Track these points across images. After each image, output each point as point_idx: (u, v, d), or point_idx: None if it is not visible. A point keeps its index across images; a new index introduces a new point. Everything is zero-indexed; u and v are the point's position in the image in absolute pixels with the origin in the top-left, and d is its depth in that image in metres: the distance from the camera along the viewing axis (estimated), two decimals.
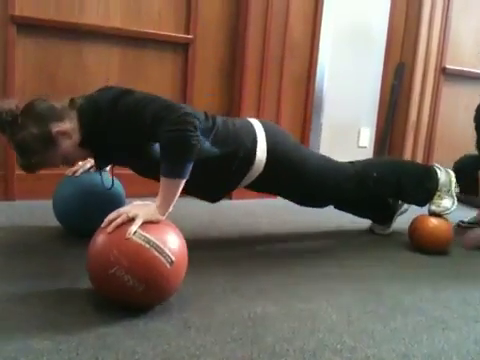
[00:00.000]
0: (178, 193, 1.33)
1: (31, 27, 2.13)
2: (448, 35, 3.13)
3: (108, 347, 1.05)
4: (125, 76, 2.32)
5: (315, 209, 1.97)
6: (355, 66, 3.09)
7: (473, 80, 3.30)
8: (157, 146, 1.44)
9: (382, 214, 2.16)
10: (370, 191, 1.90)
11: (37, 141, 1.43)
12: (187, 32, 2.44)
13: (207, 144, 1.55)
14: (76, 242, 1.64)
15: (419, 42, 3.07)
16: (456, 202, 1.95)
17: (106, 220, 1.21)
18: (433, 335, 1.23)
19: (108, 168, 1.77)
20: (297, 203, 1.90)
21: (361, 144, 3.21)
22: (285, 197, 1.89)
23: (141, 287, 1.15)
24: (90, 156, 1.62)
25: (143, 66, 2.38)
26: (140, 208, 1.24)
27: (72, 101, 1.50)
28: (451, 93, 3.24)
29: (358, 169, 1.87)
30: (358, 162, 1.92)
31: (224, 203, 2.45)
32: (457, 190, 2.01)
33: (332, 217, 2.27)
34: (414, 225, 1.96)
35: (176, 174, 1.32)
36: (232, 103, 2.58)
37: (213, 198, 1.76)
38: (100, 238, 1.20)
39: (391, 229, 2.17)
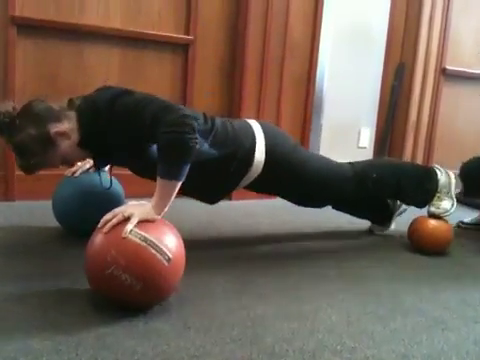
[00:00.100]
0: (174, 194, 1.33)
1: (31, 28, 2.13)
2: (448, 35, 3.14)
3: (108, 347, 1.05)
4: (125, 77, 2.32)
5: (314, 210, 1.97)
6: (355, 66, 3.09)
7: (473, 81, 3.30)
8: (155, 147, 1.44)
9: (381, 215, 2.16)
10: (369, 192, 1.90)
11: (35, 142, 1.43)
12: (187, 33, 2.44)
13: (205, 146, 1.55)
14: (75, 242, 1.64)
15: (419, 42, 3.07)
16: (456, 204, 1.95)
17: (102, 221, 1.22)
18: (433, 336, 1.23)
19: (107, 168, 1.77)
20: (296, 203, 1.90)
21: (361, 144, 3.21)
22: (284, 197, 1.89)
23: (139, 285, 1.15)
24: (89, 156, 1.62)
25: (143, 67, 2.38)
26: (135, 207, 1.24)
27: (70, 101, 1.50)
28: (451, 94, 3.24)
29: (357, 170, 1.87)
30: (357, 163, 1.92)
31: (223, 204, 2.45)
32: (457, 191, 2.01)
33: (331, 218, 2.27)
34: (414, 226, 1.96)
35: (173, 176, 1.32)
36: (232, 104, 2.58)
37: (211, 199, 1.76)
38: (97, 238, 1.20)
39: (390, 230, 2.17)
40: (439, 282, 1.63)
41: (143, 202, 1.29)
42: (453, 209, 1.93)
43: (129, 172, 1.67)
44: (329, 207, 2.04)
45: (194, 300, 1.33)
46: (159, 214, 1.27)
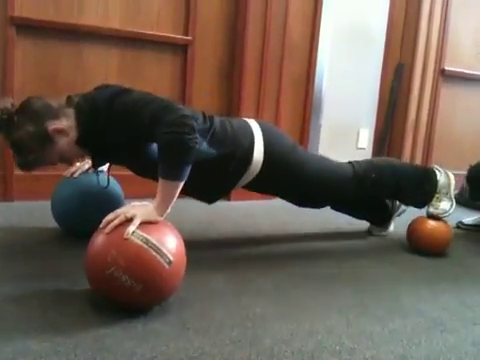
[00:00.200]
0: (176, 195, 1.33)
1: (30, 28, 2.13)
2: (447, 36, 3.14)
3: (107, 348, 1.05)
4: (124, 77, 2.32)
5: (313, 211, 1.97)
6: (354, 67, 3.09)
7: (472, 81, 3.31)
8: (155, 146, 1.44)
9: (380, 215, 2.16)
10: (368, 192, 1.90)
11: (34, 139, 1.43)
12: (186, 33, 2.44)
13: (204, 145, 1.54)
14: (74, 243, 1.64)
15: (418, 43, 3.07)
16: (454, 204, 1.95)
17: (104, 221, 1.22)
18: (431, 337, 1.23)
19: (105, 168, 1.77)
20: (295, 204, 1.90)
21: (360, 145, 3.21)
22: (283, 197, 1.89)
23: (139, 287, 1.15)
24: (87, 154, 1.61)
25: (142, 67, 2.38)
26: (138, 209, 1.24)
27: (69, 99, 1.49)
28: (450, 94, 3.25)
29: (357, 170, 1.86)
30: (357, 163, 1.91)
31: (223, 204, 2.45)
32: (456, 191, 2.02)
33: (331, 218, 2.27)
34: (413, 227, 1.96)
35: (174, 176, 1.32)
36: (231, 104, 2.58)
37: (210, 199, 1.76)
38: (98, 239, 1.20)
39: (389, 230, 2.18)
40: (438, 283, 1.63)
41: (145, 203, 1.28)
42: (452, 210, 1.93)
43: (128, 172, 1.67)
44: (328, 208, 2.04)
45: (193, 301, 1.33)
46: (161, 215, 1.27)
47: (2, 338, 1.06)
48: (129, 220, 1.19)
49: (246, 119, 1.76)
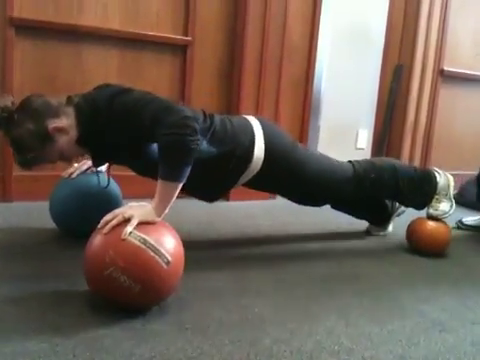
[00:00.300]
0: (175, 196, 1.33)
1: (30, 29, 2.13)
2: (446, 37, 3.14)
3: (105, 349, 1.05)
4: (123, 78, 2.32)
5: (313, 211, 1.97)
6: (353, 68, 3.10)
7: (471, 82, 3.31)
8: (155, 146, 1.44)
9: (379, 216, 2.16)
10: (368, 192, 1.89)
11: (34, 137, 1.43)
12: (185, 34, 2.44)
13: (204, 144, 1.54)
14: (73, 244, 1.64)
15: (417, 44, 3.08)
16: (454, 206, 1.95)
17: (102, 221, 1.22)
18: (430, 337, 1.23)
19: (104, 168, 1.77)
20: (295, 201, 1.90)
21: (359, 146, 3.22)
22: (283, 195, 1.89)
23: (137, 287, 1.15)
24: (87, 153, 1.61)
25: (141, 68, 2.38)
26: (136, 209, 1.24)
27: (69, 98, 1.50)
28: (449, 95, 3.25)
29: (357, 169, 1.86)
30: (357, 162, 1.91)
31: (222, 204, 2.45)
32: (455, 192, 2.02)
33: (330, 218, 2.27)
34: (412, 227, 1.96)
35: (174, 177, 1.32)
36: (230, 105, 2.58)
37: (210, 197, 1.76)
38: (96, 239, 1.20)
39: (388, 231, 2.18)
40: (437, 284, 1.63)
41: (143, 203, 1.28)
42: (452, 211, 1.93)
43: (127, 173, 1.67)
44: (328, 208, 2.04)
45: (192, 301, 1.33)
46: (159, 216, 1.27)
47: (1, 339, 1.06)
48: (127, 220, 1.19)
49: (246, 116, 1.75)
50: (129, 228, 1.17)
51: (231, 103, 2.58)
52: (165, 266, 1.17)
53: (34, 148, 1.45)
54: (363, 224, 2.20)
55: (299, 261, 1.75)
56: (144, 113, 1.38)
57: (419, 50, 3.08)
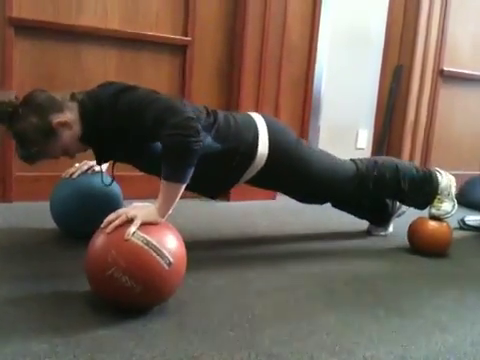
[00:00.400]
0: (178, 197, 1.33)
1: (29, 29, 2.13)
2: (446, 37, 3.14)
3: (106, 349, 1.05)
4: (122, 78, 2.28)
5: (313, 211, 1.97)
6: (353, 68, 3.10)
7: (470, 82, 3.31)
8: (158, 144, 1.44)
9: (380, 215, 2.16)
10: (369, 190, 1.88)
11: (37, 132, 1.44)
12: (185, 34, 2.44)
13: (209, 139, 1.54)
14: (73, 244, 1.64)
15: (417, 44, 3.08)
16: (456, 206, 1.95)
17: (105, 221, 1.21)
18: (431, 337, 1.23)
19: (104, 168, 1.77)
20: (297, 199, 1.89)
21: (359, 146, 3.22)
22: (285, 192, 1.88)
23: (139, 288, 1.14)
24: (89, 149, 1.61)
25: (140, 68, 2.38)
26: (139, 209, 1.23)
27: (73, 95, 1.51)
28: (449, 95, 3.25)
29: (359, 167, 1.86)
30: (360, 160, 1.91)
31: (222, 205, 2.46)
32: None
33: (330, 219, 2.27)
34: (413, 227, 1.96)
35: (177, 178, 1.32)
36: (230, 104, 2.58)
37: (214, 193, 1.76)
38: (99, 239, 1.20)
39: (388, 231, 2.18)
40: (438, 284, 1.63)
41: (147, 204, 1.28)
42: (454, 211, 1.93)
43: (128, 173, 1.67)
44: (328, 208, 2.04)
45: (192, 301, 1.33)
46: (163, 216, 1.27)
47: (1, 339, 1.06)
48: (130, 221, 1.19)
49: (250, 113, 1.75)
50: (132, 228, 1.17)
51: (230, 103, 2.58)
52: (167, 267, 1.17)
53: (37, 142, 1.46)
54: (363, 224, 2.20)
55: (299, 261, 1.75)
56: (148, 113, 1.38)
57: (419, 50, 3.08)
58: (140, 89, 1.48)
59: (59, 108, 1.46)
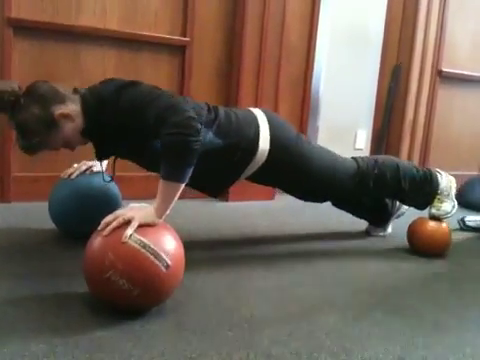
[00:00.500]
0: (176, 196, 1.33)
1: (28, 29, 2.12)
2: (444, 37, 3.15)
3: (104, 350, 1.05)
4: None
5: (312, 211, 1.97)
6: (352, 68, 3.10)
7: (469, 82, 3.32)
8: (159, 142, 1.44)
9: (379, 216, 2.16)
10: (369, 189, 1.88)
11: (39, 122, 1.44)
12: (184, 34, 2.44)
13: (210, 135, 1.54)
14: (72, 244, 1.64)
15: (415, 44, 3.08)
16: (456, 206, 1.95)
17: (102, 223, 1.21)
18: (429, 337, 1.24)
19: (104, 167, 1.77)
20: (297, 196, 1.89)
21: (357, 146, 3.22)
22: (286, 189, 1.88)
23: (136, 291, 1.14)
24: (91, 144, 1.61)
25: (139, 68, 2.38)
26: (137, 211, 1.23)
27: (75, 89, 1.51)
28: (447, 95, 3.26)
29: (360, 165, 1.85)
30: (361, 158, 1.91)
31: (221, 205, 2.46)
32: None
33: (329, 219, 2.27)
34: (413, 228, 1.96)
35: (175, 178, 1.32)
36: (229, 104, 2.57)
37: (215, 190, 1.75)
38: (96, 241, 1.20)
39: (387, 232, 2.18)
40: (437, 284, 1.64)
41: (144, 205, 1.28)
42: (454, 211, 1.93)
43: (127, 173, 1.67)
44: (328, 208, 2.04)
45: (191, 302, 1.33)
46: (160, 217, 1.27)
47: (0, 339, 1.06)
48: (127, 223, 1.19)
49: (251, 109, 1.75)
50: (129, 231, 1.16)
51: (229, 103, 2.57)
52: (164, 270, 1.17)
53: (39, 133, 1.46)
54: (362, 225, 2.20)
55: (298, 261, 1.75)
56: (149, 110, 1.38)
57: (417, 50, 3.09)
58: (142, 85, 1.48)
59: (61, 99, 1.46)
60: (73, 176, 1.73)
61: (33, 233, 1.80)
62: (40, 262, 1.52)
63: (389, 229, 2.18)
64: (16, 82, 1.48)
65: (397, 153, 3.12)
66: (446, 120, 3.30)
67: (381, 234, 2.16)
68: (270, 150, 1.65)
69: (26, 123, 1.44)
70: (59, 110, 1.45)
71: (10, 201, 2.18)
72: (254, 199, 2.53)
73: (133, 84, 1.48)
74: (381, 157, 2.01)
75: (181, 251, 1.25)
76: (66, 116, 1.46)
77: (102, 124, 1.46)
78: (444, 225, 1.92)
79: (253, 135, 1.64)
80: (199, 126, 1.34)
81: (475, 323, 1.35)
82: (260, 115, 1.69)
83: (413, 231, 1.95)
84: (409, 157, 3.18)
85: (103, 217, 1.23)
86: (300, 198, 1.90)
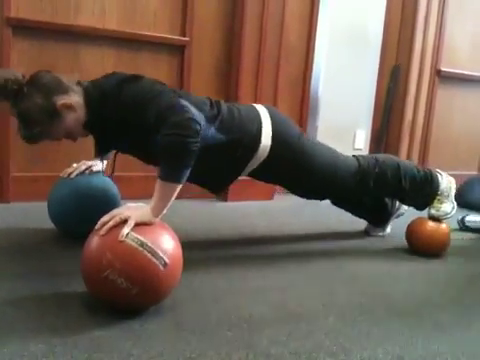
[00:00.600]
0: (173, 197, 1.33)
1: (27, 29, 2.12)
2: (443, 37, 3.15)
3: (103, 349, 1.05)
4: None
5: (312, 211, 1.97)
6: (351, 68, 3.10)
7: (468, 82, 3.32)
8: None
9: (379, 215, 2.16)
10: (370, 188, 1.88)
11: (41, 112, 1.44)
12: (183, 34, 2.44)
13: (212, 130, 1.54)
14: (71, 244, 1.64)
15: (414, 44, 3.08)
16: (456, 207, 1.95)
17: (99, 223, 1.21)
18: (428, 337, 1.24)
19: (103, 167, 1.78)
20: (298, 194, 1.88)
21: (357, 146, 3.22)
22: (287, 186, 1.88)
23: (134, 289, 1.14)
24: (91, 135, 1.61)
25: (139, 68, 2.37)
26: (133, 210, 1.23)
27: (79, 82, 1.52)
28: (446, 95, 3.26)
29: (361, 164, 1.85)
30: (362, 157, 1.90)
31: (220, 205, 2.46)
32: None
33: (328, 219, 2.27)
34: (411, 228, 1.96)
35: (173, 178, 1.32)
36: None
37: (217, 186, 1.75)
38: (93, 241, 1.20)
39: (386, 232, 2.18)
40: (436, 284, 1.64)
41: (141, 204, 1.28)
42: (453, 212, 1.93)
43: (126, 173, 1.67)
44: (327, 208, 2.03)
45: (189, 301, 1.33)
46: (157, 216, 1.27)
47: None
48: (124, 222, 1.19)
49: (254, 104, 1.75)
50: (126, 230, 1.16)
51: (228, 102, 2.57)
52: (162, 268, 1.17)
53: (41, 123, 1.46)
54: (361, 225, 2.20)
55: (297, 261, 1.75)
56: (150, 108, 1.38)
57: (416, 50, 3.09)
58: (144, 80, 1.49)
59: (64, 90, 1.47)
60: (72, 175, 1.73)
61: (32, 233, 1.79)
62: (39, 262, 1.52)
63: (388, 229, 2.18)
64: (20, 72, 1.48)
65: (396, 153, 3.13)
66: (445, 120, 3.30)
67: (380, 234, 2.17)
68: (272, 146, 1.65)
69: (28, 112, 1.45)
70: (62, 100, 1.45)
71: (9, 201, 2.18)
72: (253, 199, 2.53)
73: (135, 78, 1.48)
74: (381, 156, 2.01)
75: (179, 250, 1.25)
76: (69, 107, 1.46)
77: (104, 117, 1.47)
78: (443, 225, 1.92)
79: (255, 131, 1.63)
80: (198, 127, 1.34)
81: (474, 323, 1.35)
82: (263, 111, 1.69)
83: (412, 231, 1.95)
84: (408, 157, 3.18)
85: (102, 216, 1.23)
86: (301, 195, 1.89)
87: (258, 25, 2.52)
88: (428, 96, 3.18)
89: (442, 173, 2.00)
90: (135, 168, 1.72)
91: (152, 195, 1.31)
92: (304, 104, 2.76)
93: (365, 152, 3.22)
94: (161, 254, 1.17)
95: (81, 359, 1.01)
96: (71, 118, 1.48)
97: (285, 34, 2.61)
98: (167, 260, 1.17)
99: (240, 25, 2.50)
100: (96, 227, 1.21)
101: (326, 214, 2.31)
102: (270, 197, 2.64)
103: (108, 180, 1.75)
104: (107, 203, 1.64)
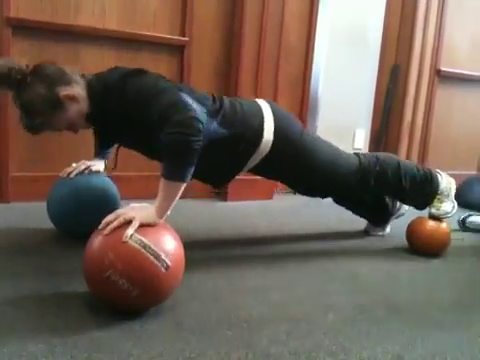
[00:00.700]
0: (177, 196, 1.32)
1: (27, 29, 2.12)
2: (443, 37, 3.15)
3: (103, 350, 1.05)
4: None
5: (312, 211, 1.97)
6: (350, 68, 3.10)
7: (467, 82, 3.32)
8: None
9: (379, 215, 2.16)
10: (371, 187, 1.87)
11: (44, 102, 1.45)
12: (183, 34, 2.44)
13: (214, 125, 1.54)
14: (71, 244, 1.64)
15: (414, 44, 3.08)
16: (456, 207, 1.95)
17: (103, 222, 1.21)
18: (428, 337, 1.24)
19: (102, 168, 1.77)
20: (299, 191, 1.88)
21: (356, 146, 3.22)
22: (287, 183, 1.88)
23: (136, 291, 1.14)
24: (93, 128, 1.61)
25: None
26: (138, 211, 1.23)
27: (82, 75, 1.53)
28: (445, 95, 3.26)
29: (363, 162, 1.85)
30: (363, 155, 1.90)
31: (220, 205, 2.46)
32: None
33: (328, 219, 2.27)
34: (412, 227, 1.96)
35: (177, 177, 1.32)
36: None
37: (218, 181, 1.75)
38: (96, 240, 1.19)
39: (386, 232, 2.18)
40: (435, 284, 1.64)
41: (145, 205, 1.28)
42: (454, 211, 1.93)
43: (126, 173, 1.67)
44: (327, 207, 2.03)
45: (189, 301, 1.33)
46: (161, 217, 1.27)
47: None
48: (128, 222, 1.19)
49: (257, 100, 1.75)
50: (130, 231, 1.16)
51: None
52: (164, 270, 1.16)
53: (43, 113, 1.46)
54: (361, 224, 2.20)
55: (296, 261, 1.75)
56: (153, 105, 1.39)
57: (416, 50, 3.09)
58: (147, 75, 1.49)
59: (68, 81, 1.47)
60: (72, 175, 1.73)
61: (32, 233, 1.79)
62: (39, 262, 1.52)
63: (388, 229, 2.19)
64: (24, 61, 1.49)
65: (396, 152, 3.12)
66: (444, 120, 3.30)
67: (380, 234, 2.17)
68: (274, 141, 1.65)
69: (31, 102, 1.45)
70: (65, 91, 1.46)
71: (9, 201, 2.18)
72: (253, 199, 2.54)
73: (139, 73, 1.49)
74: (381, 154, 2.00)
75: (181, 252, 1.25)
76: (71, 98, 1.47)
77: (107, 111, 1.47)
78: (443, 225, 1.92)
79: (258, 125, 1.63)
80: (200, 126, 1.34)
81: (474, 323, 1.35)
82: (265, 106, 1.69)
83: (412, 231, 1.95)
84: (407, 157, 3.18)
85: (102, 217, 1.22)
86: (302, 193, 1.89)
87: (258, 25, 2.52)
88: (427, 96, 3.18)
89: (442, 173, 2.00)
90: (135, 168, 1.72)
91: (152, 195, 1.31)
92: (304, 104, 2.76)
93: (365, 152, 3.22)
94: (164, 257, 1.16)
95: (81, 359, 1.01)
96: (74, 109, 1.48)
97: (285, 34, 2.61)
98: (169, 263, 1.17)
99: (240, 25, 2.50)
100: (100, 226, 1.21)
101: (326, 214, 2.31)
102: (270, 197, 2.64)
103: (108, 180, 1.75)
104: (107, 203, 1.65)
